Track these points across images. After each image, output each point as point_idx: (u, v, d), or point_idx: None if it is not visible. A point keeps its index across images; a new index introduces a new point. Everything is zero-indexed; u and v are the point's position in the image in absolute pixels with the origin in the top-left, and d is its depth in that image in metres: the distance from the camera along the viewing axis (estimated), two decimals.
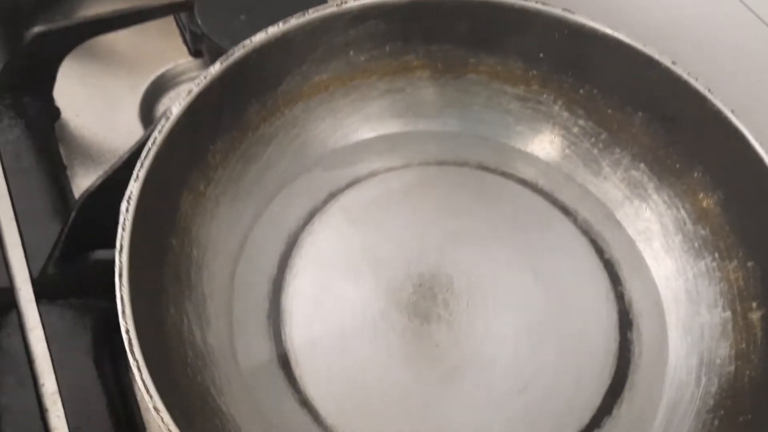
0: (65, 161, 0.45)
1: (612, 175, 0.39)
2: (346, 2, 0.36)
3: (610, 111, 0.38)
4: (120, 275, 0.27)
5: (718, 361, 0.32)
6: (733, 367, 0.31)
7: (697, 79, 0.35)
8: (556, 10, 0.37)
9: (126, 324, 0.26)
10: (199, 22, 0.46)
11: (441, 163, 0.41)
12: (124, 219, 0.28)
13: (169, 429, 0.24)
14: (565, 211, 0.39)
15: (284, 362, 0.34)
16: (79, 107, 0.47)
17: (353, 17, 0.37)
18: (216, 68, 0.33)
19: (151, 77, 0.50)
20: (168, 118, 0.31)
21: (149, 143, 0.30)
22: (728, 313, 0.33)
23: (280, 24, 0.35)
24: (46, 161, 0.43)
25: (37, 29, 0.43)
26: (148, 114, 0.49)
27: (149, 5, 0.47)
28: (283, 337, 0.34)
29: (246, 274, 0.35)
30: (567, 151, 0.40)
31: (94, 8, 0.51)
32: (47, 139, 0.44)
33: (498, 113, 0.41)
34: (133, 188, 0.29)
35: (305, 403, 0.33)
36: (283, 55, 0.36)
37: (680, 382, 0.33)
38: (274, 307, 0.35)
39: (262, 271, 0.36)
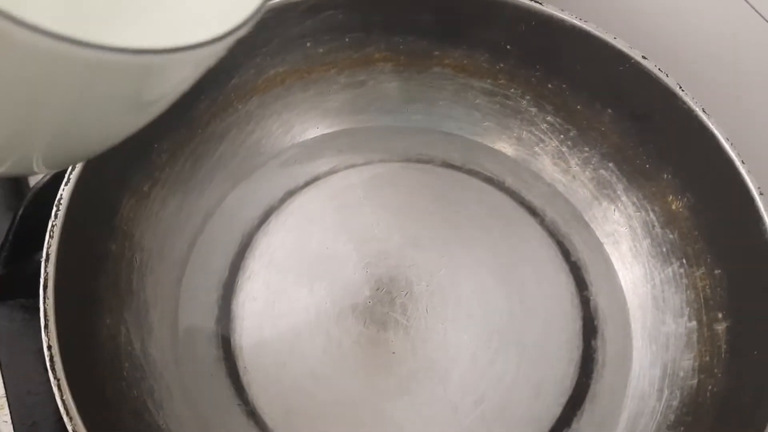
0: None
1: (581, 174, 0.37)
2: None
3: (579, 107, 0.36)
4: (45, 286, 0.26)
5: (681, 373, 0.31)
6: (695, 381, 0.30)
7: (668, 75, 0.33)
8: (524, 0, 0.35)
9: (48, 339, 0.25)
10: None
11: (405, 160, 0.39)
12: (53, 225, 0.27)
13: None
14: (532, 211, 0.38)
15: (232, 371, 0.32)
16: None
17: (309, 7, 0.35)
18: None
19: None
20: None
21: None
22: (694, 323, 0.31)
23: None
24: None
25: None
26: None
27: None
28: (232, 344, 0.33)
29: (194, 279, 0.34)
30: (535, 148, 0.38)
31: None
32: None
33: (464, 108, 0.39)
34: (64, 192, 0.28)
35: (252, 414, 0.32)
36: (233, 47, 0.34)
37: (642, 394, 0.32)
38: (224, 313, 0.34)
39: (213, 275, 0.35)
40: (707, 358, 0.30)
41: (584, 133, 0.37)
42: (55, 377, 0.24)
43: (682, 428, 0.29)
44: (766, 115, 0.38)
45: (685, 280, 0.32)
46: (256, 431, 0.31)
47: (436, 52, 0.38)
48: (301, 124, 0.38)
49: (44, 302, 0.25)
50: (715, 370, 0.29)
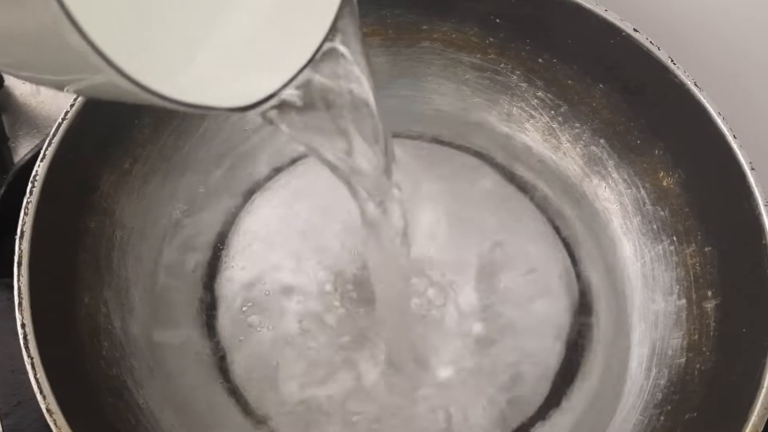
0: (8, 132, 0.43)
1: (571, 150, 0.37)
2: None
3: (570, 82, 0.36)
4: (19, 264, 0.25)
5: (669, 352, 0.30)
6: (684, 359, 0.29)
7: (659, 49, 0.32)
8: None
9: (22, 318, 0.24)
10: None
11: (393, 136, 0.38)
12: (27, 202, 0.27)
13: None
14: (523, 187, 0.37)
15: (215, 350, 0.32)
16: None
17: None
18: None
19: None
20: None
21: (59, 118, 0.28)
22: (683, 302, 0.31)
23: None
24: None
25: None
26: None
27: None
28: (215, 323, 0.33)
29: (177, 257, 0.33)
30: (526, 124, 0.38)
31: None
32: None
33: (454, 84, 0.38)
34: (39, 168, 0.27)
35: (234, 392, 0.31)
36: None
37: (631, 372, 0.31)
38: (208, 292, 0.33)
39: (196, 253, 0.34)
40: (696, 337, 0.29)
41: (575, 108, 0.36)
42: (29, 355, 0.24)
43: (668, 407, 0.28)
44: (758, 89, 0.38)
45: (675, 258, 0.32)
46: (237, 409, 0.31)
47: (425, 26, 0.37)
48: None
49: (18, 280, 0.25)
50: (704, 349, 0.29)
